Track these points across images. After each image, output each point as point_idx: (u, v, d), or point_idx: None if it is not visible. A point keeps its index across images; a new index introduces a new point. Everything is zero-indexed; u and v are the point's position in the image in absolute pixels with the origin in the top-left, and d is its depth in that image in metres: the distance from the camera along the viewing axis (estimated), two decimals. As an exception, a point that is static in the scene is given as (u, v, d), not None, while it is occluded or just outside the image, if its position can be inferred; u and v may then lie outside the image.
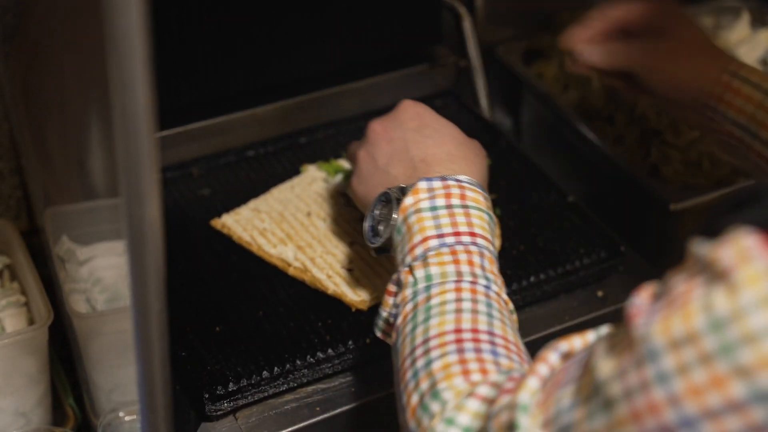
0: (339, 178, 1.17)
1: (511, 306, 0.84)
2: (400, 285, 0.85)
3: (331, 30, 1.26)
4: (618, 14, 1.09)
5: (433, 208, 0.87)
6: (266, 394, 0.97)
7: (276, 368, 0.97)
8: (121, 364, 0.98)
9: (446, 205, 0.87)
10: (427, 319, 0.79)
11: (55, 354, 1.07)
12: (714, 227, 0.56)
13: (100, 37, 0.55)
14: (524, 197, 1.19)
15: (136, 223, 0.59)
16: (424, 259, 0.84)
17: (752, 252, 0.53)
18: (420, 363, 0.76)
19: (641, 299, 0.59)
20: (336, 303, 1.04)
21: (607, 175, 1.26)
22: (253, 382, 0.96)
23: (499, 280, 0.85)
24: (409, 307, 0.82)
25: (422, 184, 0.88)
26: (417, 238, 0.86)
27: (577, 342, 0.68)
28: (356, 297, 1.04)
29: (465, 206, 0.87)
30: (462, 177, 0.89)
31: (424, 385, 0.74)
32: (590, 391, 0.60)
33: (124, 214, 0.59)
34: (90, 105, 0.93)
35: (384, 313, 0.87)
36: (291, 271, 1.08)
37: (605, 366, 0.59)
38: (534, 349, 1.07)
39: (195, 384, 0.96)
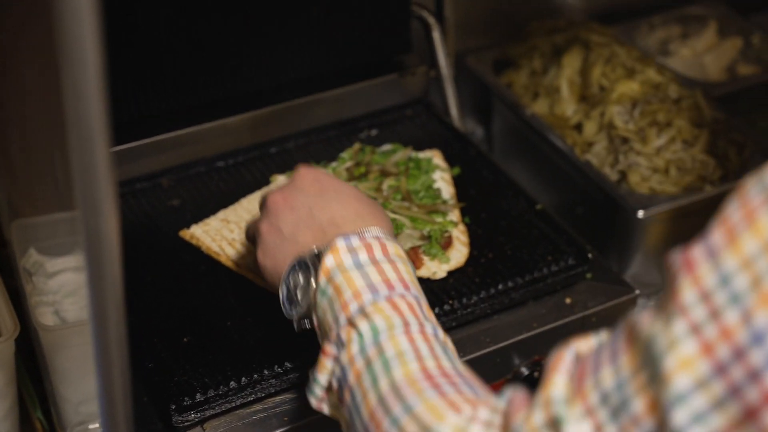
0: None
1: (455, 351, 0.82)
2: (340, 344, 0.81)
3: (300, 39, 1.26)
4: None
5: (358, 265, 0.83)
6: (234, 404, 0.97)
7: (244, 378, 0.97)
8: (87, 376, 0.97)
9: (370, 260, 0.84)
10: (387, 368, 0.76)
11: (23, 367, 1.07)
12: None
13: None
14: (493, 205, 1.19)
15: (93, 235, 0.59)
16: (363, 312, 0.80)
17: None
18: (397, 410, 0.73)
19: (680, 253, 0.58)
20: (304, 313, 1.04)
21: (575, 183, 1.26)
22: (220, 392, 0.96)
23: (440, 326, 0.82)
24: (359, 362, 0.78)
25: (340, 243, 0.85)
26: (348, 295, 0.82)
27: (583, 345, 0.67)
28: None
29: (389, 259, 0.85)
30: (377, 231, 0.87)
31: (412, 429, 0.71)
32: (642, 359, 0.59)
33: (80, 225, 0.59)
34: (53, 116, 0.92)
35: (322, 379, 0.82)
36: (259, 282, 1.07)
37: (657, 325, 0.58)
38: (502, 356, 1.08)
39: (162, 395, 0.96)
